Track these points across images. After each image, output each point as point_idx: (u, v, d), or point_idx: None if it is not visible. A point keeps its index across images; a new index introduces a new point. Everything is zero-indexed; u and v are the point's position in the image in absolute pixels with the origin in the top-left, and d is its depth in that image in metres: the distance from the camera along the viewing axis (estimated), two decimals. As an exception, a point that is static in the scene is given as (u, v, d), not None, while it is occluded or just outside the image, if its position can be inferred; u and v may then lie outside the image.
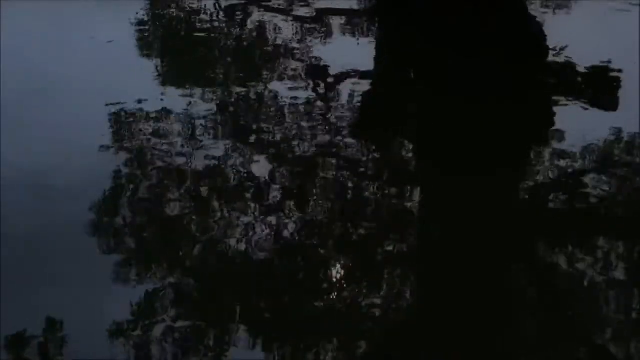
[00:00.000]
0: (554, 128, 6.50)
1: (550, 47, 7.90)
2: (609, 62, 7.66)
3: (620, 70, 7.52)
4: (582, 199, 5.52)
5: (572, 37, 8.32)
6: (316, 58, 7.85)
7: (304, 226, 5.04)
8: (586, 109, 6.89)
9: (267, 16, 8.93)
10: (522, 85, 7.36)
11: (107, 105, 6.53)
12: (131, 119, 6.44)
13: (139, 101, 6.62)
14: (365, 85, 7.27)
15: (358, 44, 8.38)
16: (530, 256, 4.95)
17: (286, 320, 4.21)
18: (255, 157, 5.92)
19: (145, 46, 8.28)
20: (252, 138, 6.26)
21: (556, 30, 8.58)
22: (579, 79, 7.55)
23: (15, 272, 4.43)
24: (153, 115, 6.47)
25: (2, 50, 7.64)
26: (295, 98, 6.90)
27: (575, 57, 7.80)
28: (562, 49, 7.83)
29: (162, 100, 6.76)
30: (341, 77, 7.36)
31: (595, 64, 7.67)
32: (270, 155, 5.98)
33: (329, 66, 7.60)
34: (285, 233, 4.96)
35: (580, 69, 7.63)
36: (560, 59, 7.78)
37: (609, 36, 8.48)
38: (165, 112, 6.52)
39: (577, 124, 6.54)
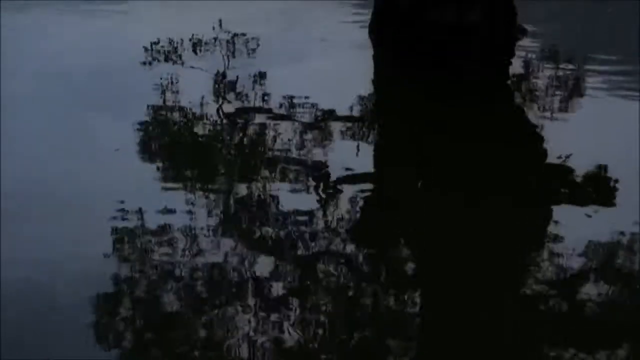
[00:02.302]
0: (552, 228, 6.60)
1: (557, 154, 8.08)
2: (606, 166, 7.79)
3: (617, 181, 7.64)
4: (582, 303, 5.57)
5: (570, 137, 8.51)
6: (316, 161, 7.99)
7: (304, 327, 5.09)
8: (586, 212, 6.99)
9: (267, 121, 9.11)
10: (522, 187, 7.49)
11: (110, 218, 6.65)
12: (132, 226, 6.56)
13: (141, 210, 6.75)
14: (365, 189, 7.40)
15: (358, 149, 8.55)
16: None
17: None
18: (256, 258, 6.02)
19: (147, 151, 8.45)
20: (253, 239, 6.36)
21: (555, 132, 8.81)
22: (579, 181, 7.67)
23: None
24: (154, 223, 6.59)
25: (3, 150, 7.84)
26: (296, 200, 7.02)
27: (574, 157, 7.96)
28: (567, 157, 7.98)
29: (164, 203, 6.89)
30: (341, 180, 7.49)
31: (595, 165, 7.80)
32: (271, 255, 6.07)
33: (328, 167, 7.76)
34: (286, 335, 5.01)
35: (579, 170, 7.76)
36: (562, 163, 7.93)
37: (608, 133, 8.65)
38: (167, 212, 6.65)
39: (577, 224, 6.63)
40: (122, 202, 6.80)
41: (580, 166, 7.78)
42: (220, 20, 12.43)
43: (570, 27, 12.50)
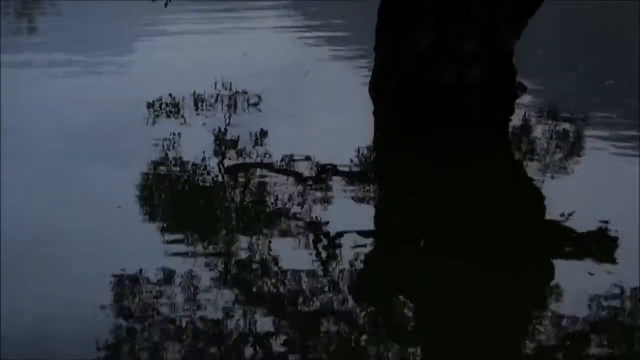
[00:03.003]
0: (554, 287, 6.63)
1: (556, 210, 8.14)
2: (607, 222, 7.84)
3: (617, 236, 7.67)
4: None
5: (570, 194, 8.58)
6: (316, 218, 8.04)
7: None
8: (588, 269, 7.03)
9: (268, 176, 9.16)
10: (522, 243, 7.53)
11: (112, 274, 6.69)
12: (133, 281, 6.59)
13: (141, 269, 6.79)
14: (366, 247, 7.44)
15: (358, 205, 8.59)
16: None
17: None
18: (256, 314, 6.04)
19: (148, 206, 8.50)
20: (253, 296, 6.39)
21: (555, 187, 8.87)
22: (579, 238, 7.71)
23: None
24: (155, 278, 6.63)
25: (3, 208, 7.90)
26: (296, 258, 7.05)
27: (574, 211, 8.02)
28: (570, 215, 8.04)
29: (165, 260, 6.93)
30: (342, 237, 7.53)
31: (595, 220, 7.85)
32: (271, 312, 6.09)
33: (328, 223, 7.80)
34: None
35: (580, 226, 7.81)
36: (563, 221, 7.98)
37: (608, 189, 8.71)
38: (167, 274, 6.69)
39: (577, 282, 6.66)
40: (123, 261, 6.84)
41: (580, 222, 7.83)
42: (222, 79, 12.58)
43: (570, 85, 12.63)
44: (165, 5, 11.66)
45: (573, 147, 10.20)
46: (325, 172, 9.15)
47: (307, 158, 9.57)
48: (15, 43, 15.78)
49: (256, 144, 10.11)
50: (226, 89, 12.29)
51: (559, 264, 7.15)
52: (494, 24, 10.34)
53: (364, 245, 7.41)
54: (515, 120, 10.86)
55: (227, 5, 13.88)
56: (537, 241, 7.66)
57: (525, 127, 10.81)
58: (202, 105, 11.66)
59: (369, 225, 8.03)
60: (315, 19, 17.88)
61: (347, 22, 17.51)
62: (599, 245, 7.51)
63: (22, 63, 14.13)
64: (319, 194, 8.62)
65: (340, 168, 9.26)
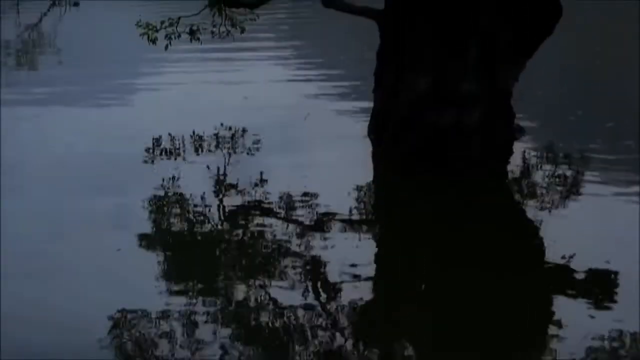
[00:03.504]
0: (554, 330, 6.66)
1: (555, 249, 8.18)
2: (608, 262, 7.87)
3: (617, 274, 7.71)
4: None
5: (569, 235, 8.63)
6: (316, 258, 8.07)
7: None
8: (588, 309, 7.05)
9: (267, 221, 9.19)
10: (522, 284, 7.57)
11: (109, 318, 6.73)
12: (132, 320, 6.62)
13: (143, 310, 6.82)
14: (365, 288, 7.47)
15: (358, 248, 8.62)
16: None
17: None
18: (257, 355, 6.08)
19: (148, 248, 8.54)
20: (253, 337, 6.42)
21: (554, 229, 8.91)
22: (580, 280, 7.74)
23: None
24: (154, 317, 6.66)
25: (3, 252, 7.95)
26: (296, 300, 7.08)
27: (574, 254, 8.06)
28: (571, 257, 8.08)
29: (165, 302, 6.96)
30: (341, 280, 7.56)
31: (595, 263, 7.89)
32: (272, 354, 6.12)
33: (327, 267, 7.83)
34: None
35: (580, 268, 7.84)
36: (561, 262, 8.01)
37: (608, 231, 8.75)
38: (166, 315, 6.72)
39: (578, 324, 6.69)
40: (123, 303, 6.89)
41: (580, 263, 7.87)
42: (222, 120, 12.67)
43: (569, 126, 12.69)
44: (166, 48, 11.76)
45: (572, 189, 10.25)
46: (325, 216, 9.19)
47: (307, 200, 9.63)
48: (17, 82, 15.89)
49: (256, 185, 10.16)
50: (226, 129, 12.38)
51: (560, 305, 7.18)
52: (492, 67, 10.43)
53: (364, 288, 7.45)
54: (514, 162, 10.92)
55: (227, 46, 13.96)
56: (538, 282, 7.70)
57: (524, 169, 10.87)
58: (201, 146, 11.72)
59: (369, 268, 8.06)
60: (315, 59, 18.02)
61: (346, 61, 17.63)
62: (600, 286, 7.55)
63: (23, 102, 14.23)
64: (318, 238, 8.66)
65: (339, 210, 9.31)
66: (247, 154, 11.46)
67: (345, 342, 6.40)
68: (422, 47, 10.46)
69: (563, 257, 8.02)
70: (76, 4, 24.76)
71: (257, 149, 11.58)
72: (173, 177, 10.37)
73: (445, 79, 10.37)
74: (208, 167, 10.71)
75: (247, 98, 13.87)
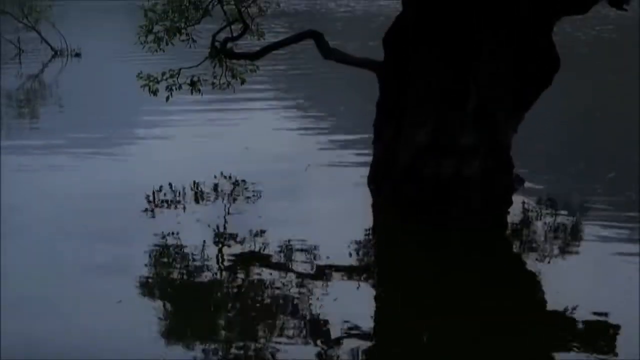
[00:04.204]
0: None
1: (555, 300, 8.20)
2: (608, 313, 7.89)
3: (618, 327, 7.73)
4: None
5: (569, 286, 8.63)
6: (316, 314, 8.07)
7: None
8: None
9: (267, 272, 9.22)
10: (523, 335, 7.58)
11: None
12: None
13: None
14: (366, 340, 7.48)
15: (359, 300, 8.64)
16: None
17: None
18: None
19: (147, 297, 8.56)
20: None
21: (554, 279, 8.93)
22: (580, 331, 7.76)
23: None
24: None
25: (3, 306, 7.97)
26: (296, 354, 7.09)
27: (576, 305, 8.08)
28: (573, 309, 8.10)
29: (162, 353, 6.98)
30: (342, 332, 7.57)
31: (593, 312, 7.91)
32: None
33: (328, 321, 7.83)
34: None
35: (580, 319, 7.86)
36: (562, 313, 8.03)
37: (608, 281, 8.77)
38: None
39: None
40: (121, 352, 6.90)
41: (581, 314, 7.90)
42: (222, 170, 12.74)
43: (570, 176, 12.75)
44: (167, 99, 11.87)
45: (572, 239, 10.30)
46: (325, 266, 9.22)
47: (307, 249, 9.66)
48: (16, 131, 15.99)
49: (255, 234, 10.20)
50: (226, 178, 12.44)
51: (561, 357, 7.19)
52: (491, 119, 10.51)
53: (365, 340, 7.46)
54: (514, 212, 10.96)
55: (228, 97, 14.08)
56: (537, 334, 7.71)
57: (524, 220, 10.92)
58: (201, 195, 11.78)
59: (369, 320, 8.07)
60: (315, 110, 18.13)
61: (346, 112, 17.75)
62: (600, 337, 7.56)
63: (22, 149, 14.30)
64: (318, 288, 8.68)
65: (339, 261, 9.34)
66: (247, 203, 11.52)
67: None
68: (422, 99, 10.57)
69: (563, 308, 8.05)
70: (78, 55, 24.96)
71: (258, 199, 11.63)
72: (172, 228, 10.41)
73: (445, 130, 10.46)
74: (198, 220, 10.74)
75: (248, 149, 13.94)
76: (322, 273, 9.05)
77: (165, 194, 11.75)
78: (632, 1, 10.55)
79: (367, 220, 10.86)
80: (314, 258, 9.44)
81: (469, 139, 10.42)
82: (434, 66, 10.48)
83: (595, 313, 7.94)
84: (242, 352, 7.25)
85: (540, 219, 10.95)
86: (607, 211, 11.05)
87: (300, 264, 9.30)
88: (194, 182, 12.14)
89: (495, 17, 10.33)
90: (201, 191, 11.93)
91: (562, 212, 11.13)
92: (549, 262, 9.60)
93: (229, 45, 12.14)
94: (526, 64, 10.55)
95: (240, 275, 9.17)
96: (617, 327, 7.70)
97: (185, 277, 9.20)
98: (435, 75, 10.48)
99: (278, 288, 8.68)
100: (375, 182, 11.35)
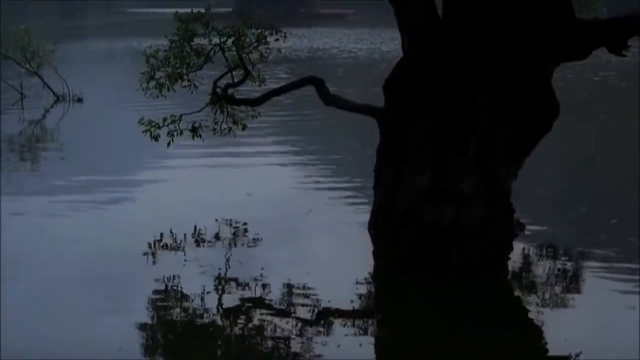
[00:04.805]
0: None
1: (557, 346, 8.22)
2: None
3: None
4: None
5: (571, 333, 8.64)
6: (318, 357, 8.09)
7: None
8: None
9: (268, 317, 9.23)
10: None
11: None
12: None
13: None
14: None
15: (360, 345, 8.64)
16: None
17: None
18: None
19: (149, 350, 8.58)
20: None
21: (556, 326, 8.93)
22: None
23: None
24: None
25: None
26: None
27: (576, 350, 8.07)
28: (577, 355, 8.11)
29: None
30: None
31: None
32: None
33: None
34: None
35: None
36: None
37: (609, 328, 8.78)
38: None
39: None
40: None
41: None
42: (223, 216, 12.79)
43: (572, 222, 12.78)
44: (168, 145, 11.95)
45: (573, 286, 10.31)
46: (326, 312, 9.23)
47: (307, 294, 9.68)
48: (17, 176, 16.06)
49: (256, 279, 10.23)
50: (228, 223, 12.48)
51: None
52: (491, 165, 10.59)
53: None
54: (515, 258, 10.99)
55: (229, 142, 14.17)
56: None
57: (525, 266, 10.94)
58: (202, 240, 11.82)
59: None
60: (316, 155, 18.21)
61: (347, 157, 17.83)
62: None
63: (23, 196, 14.36)
64: (319, 335, 8.69)
65: (340, 306, 9.35)
66: (248, 247, 11.55)
67: None
68: (421, 144, 10.66)
69: (566, 356, 8.06)
70: (80, 100, 25.10)
71: (259, 243, 11.67)
72: (173, 274, 10.44)
73: (445, 176, 10.53)
74: (199, 264, 10.76)
75: (250, 194, 14.01)
76: (322, 318, 9.07)
77: (166, 239, 11.78)
78: (631, 47, 10.66)
79: (367, 265, 10.89)
80: (315, 303, 9.46)
81: (468, 185, 10.50)
82: (434, 112, 10.58)
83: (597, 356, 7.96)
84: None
85: (541, 265, 10.97)
86: (609, 259, 11.07)
87: (301, 308, 9.32)
88: (195, 227, 12.18)
89: (495, 64, 10.45)
90: (202, 235, 11.97)
91: (563, 258, 11.14)
92: (550, 309, 9.61)
93: (230, 91, 12.24)
94: (526, 110, 10.64)
95: (241, 321, 9.19)
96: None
97: (185, 322, 9.22)
98: (435, 121, 10.58)
99: (279, 333, 8.70)
100: (375, 227, 11.40)
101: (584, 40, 10.52)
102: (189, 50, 11.72)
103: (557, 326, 9.05)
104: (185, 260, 10.99)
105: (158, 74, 11.75)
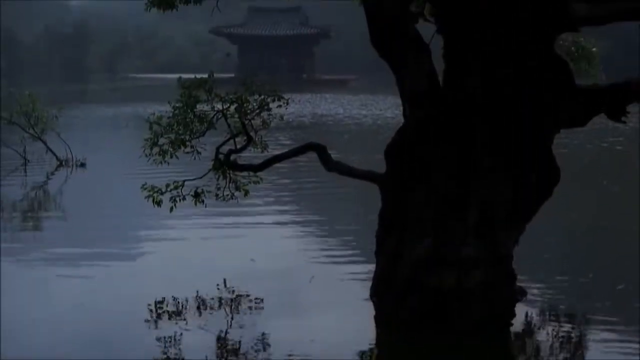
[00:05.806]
0: None
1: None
2: None
3: None
4: None
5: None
6: None
7: None
8: None
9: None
10: None
11: None
12: None
13: None
14: None
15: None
16: None
17: None
18: None
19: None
20: None
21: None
22: None
23: None
24: None
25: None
26: None
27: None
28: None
29: None
30: None
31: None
32: None
33: None
34: None
35: None
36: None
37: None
38: None
39: None
40: None
41: None
42: (224, 280, 12.86)
43: (576, 287, 12.83)
44: (171, 210, 12.06)
45: (577, 352, 10.34)
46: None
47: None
48: (20, 242, 16.17)
49: (258, 347, 10.27)
50: (229, 291, 12.55)
51: None
52: (491, 231, 10.68)
53: None
54: (517, 324, 11.03)
55: (231, 209, 14.29)
56: None
57: (527, 332, 10.98)
58: (204, 307, 11.87)
59: None
60: (318, 222, 18.32)
61: (349, 224, 17.94)
62: None
63: (23, 258, 14.46)
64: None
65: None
66: (250, 314, 11.60)
67: None
68: (422, 210, 10.77)
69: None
70: (83, 165, 25.32)
71: (260, 311, 11.72)
72: (174, 340, 10.48)
73: (445, 241, 10.63)
74: (200, 331, 10.79)
75: (254, 260, 14.10)
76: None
77: (166, 305, 11.84)
78: (630, 114, 10.82)
79: (369, 332, 10.94)
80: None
81: (469, 251, 10.58)
82: (434, 178, 10.72)
83: None
84: None
85: (544, 331, 11.00)
86: (613, 322, 11.10)
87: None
88: (197, 294, 12.24)
89: (495, 131, 10.61)
90: (203, 303, 12.02)
91: (567, 324, 11.18)
92: None
93: (233, 157, 12.38)
94: (526, 175, 10.76)
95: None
96: None
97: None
98: (436, 187, 10.71)
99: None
100: (377, 294, 11.46)
101: (583, 106, 10.67)
102: (192, 117, 11.87)
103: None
104: (186, 326, 11.04)
105: (161, 141, 11.88)
